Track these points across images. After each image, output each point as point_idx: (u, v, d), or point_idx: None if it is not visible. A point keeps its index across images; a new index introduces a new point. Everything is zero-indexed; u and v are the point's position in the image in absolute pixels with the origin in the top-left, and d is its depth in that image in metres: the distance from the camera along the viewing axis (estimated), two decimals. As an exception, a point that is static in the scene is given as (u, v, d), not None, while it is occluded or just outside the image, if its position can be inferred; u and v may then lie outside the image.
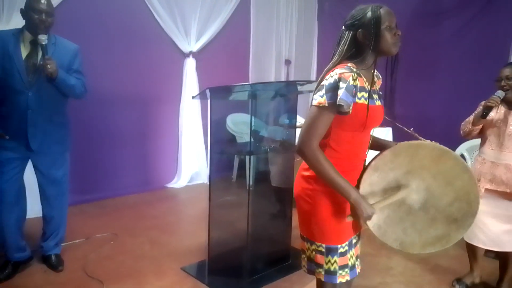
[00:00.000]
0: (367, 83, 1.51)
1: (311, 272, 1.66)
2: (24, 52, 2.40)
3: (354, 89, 1.43)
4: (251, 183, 4.34)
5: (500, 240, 2.49)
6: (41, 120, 2.44)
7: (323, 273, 1.60)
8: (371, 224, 1.59)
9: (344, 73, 1.43)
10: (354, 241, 1.68)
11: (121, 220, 3.59)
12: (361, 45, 1.52)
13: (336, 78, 1.42)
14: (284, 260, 2.78)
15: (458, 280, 2.71)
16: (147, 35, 4.30)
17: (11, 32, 2.43)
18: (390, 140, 1.77)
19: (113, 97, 4.13)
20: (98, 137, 4.11)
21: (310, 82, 2.62)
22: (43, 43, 2.33)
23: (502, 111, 2.47)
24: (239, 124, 4.71)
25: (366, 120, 1.50)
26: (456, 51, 4.28)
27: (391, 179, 1.58)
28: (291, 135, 2.84)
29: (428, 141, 1.63)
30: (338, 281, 1.61)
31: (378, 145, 1.68)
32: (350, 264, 1.64)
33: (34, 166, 2.57)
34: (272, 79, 5.46)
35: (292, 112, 2.80)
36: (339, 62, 1.53)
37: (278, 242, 2.84)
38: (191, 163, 4.80)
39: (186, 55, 4.62)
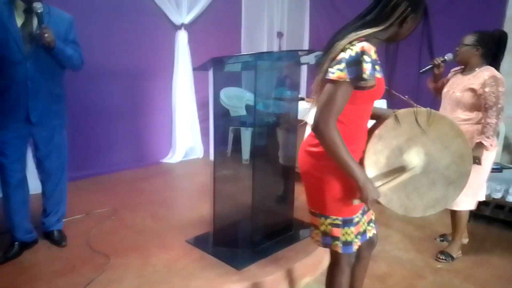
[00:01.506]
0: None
1: (327, 245, 1.69)
2: (18, 21, 2.29)
3: (375, 63, 1.42)
4: (247, 157, 4.35)
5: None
6: (41, 92, 2.36)
7: (340, 245, 1.64)
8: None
9: (366, 46, 1.39)
10: (366, 208, 1.74)
11: (119, 196, 3.57)
12: (396, 19, 1.48)
13: (359, 51, 1.38)
14: (287, 231, 2.82)
15: (442, 252, 2.80)
16: (138, 7, 4.17)
17: (1, 2, 2.31)
18: (385, 108, 1.78)
19: (104, 71, 4.03)
20: (91, 112, 4.02)
21: (311, 51, 2.59)
22: (39, 11, 2.23)
23: (454, 76, 2.77)
24: (232, 98, 4.67)
25: (380, 92, 1.51)
26: (451, 19, 4.28)
27: (394, 146, 1.62)
28: (292, 109, 2.81)
29: (426, 108, 1.65)
30: (354, 250, 1.66)
31: (375, 114, 1.68)
32: (361, 230, 1.71)
33: (35, 142, 2.51)
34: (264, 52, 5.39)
35: (293, 85, 2.78)
36: (380, 31, 1.48)
37: (281, 214, 2.87)
38: (186, 138, 4.77)
39: (178, 28, 4.52)
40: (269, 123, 2.76)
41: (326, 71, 1.43)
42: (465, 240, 2.92)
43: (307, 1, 5.76)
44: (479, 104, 2.54)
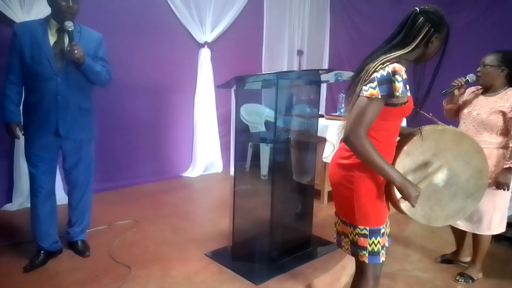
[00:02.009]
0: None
1: (354, 255, 1.75)
2: (51, 39, 2.44)
3: (406, 82, 1.53)
4: (266, 172, 4.39)
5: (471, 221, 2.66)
6: (70, 106, 2.49)
7: (367, 255, 1.69)
8: (403, 204, 1.69)
9: (398, 67, 1.50)
10: (388, 221, 1.79)
11: (140, 208, 3.65)
12: (421, 41, 1.58)
13: (390, 71, 1.50)
14: (305, 247, 2.84)
15: (462, 274, 2.76)
16: (163, 26, 4.32)
17: (37, 22, 2.48)
18: (409, 127, 1.83)
19: (129, 87, 4.17)
20: (115, 126, 4.15)
21: (330, 70, 2.65)
22: (70, 29, 2.38)
23: (474, 96, 2.66)
24: (252, 114, 4.75)
25: (409, 109, 1.61)
26: (471, 40, 4.27)
27: (421, 161, 1.72)
28: (312, 126, 2.85)
29: (450, 126, 1.82)
30: (381, 261, 1.72)
31: (401, 131, 1.75)
32: (386, 244, 1.75)
33: (64, 154, 2.62)
34: (285, 69, 5.47)
35: (314, 102, 2.83)
36: (407, 52, 1.58)
37: (299, 230, 2.88)
38: (206, 152, 4.85)
39: (201, 46, 4.65)
40: (288, 140, 2.80)
41: (360, 91, 1.54)
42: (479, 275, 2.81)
43: (328, 20, 5.85)
44: (506, 127, 2.48)
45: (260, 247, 2.75)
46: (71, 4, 2.38)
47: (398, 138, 1.75)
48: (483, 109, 2.53)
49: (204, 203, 4.10)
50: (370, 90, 1.50)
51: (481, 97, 2.62)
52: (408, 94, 1.56)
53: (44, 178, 2.54)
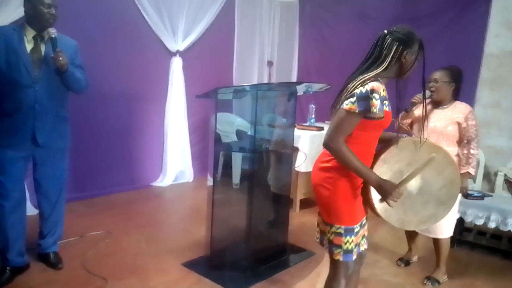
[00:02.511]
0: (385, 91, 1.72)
1: (330, 253, 1.87)
2: (28, 46, 2.39)
3: (384, 99, 1.67)
4: (237, 181, 4.43)
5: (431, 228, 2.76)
6: (48, 114, 2.44)
7: (342, 253, 1.81)
8: (379, 207, 1.83)
9: (376, 86, 1.64)
10: (363, 222, 1.90)
11: (112, 218, 3.58)
12: (397, 61, 1.71)
13: (368, 89, 1.63)
14: (281, 255, 2.90)
15: (401, 259, 3.12)
16: (135, 33, 4.29)
17: (11, 28, 2.42)
18: (391, 133, 1.95)
19: (100, 94, 4.08)
20: (84, 134, 4.04)
21: (300, 83, 2.75)
22: (53, 35, 2.35)
23: (428, 109, 2.79)
24: (223, 123, 4.78)
25: (386, 122, 1.73)
26: (431, 57, 4.52)
27: (396, 169, 1.85)
28: (288, 135, 2.93)
29: (434, 140, 1.91)
30: (353, 259, 1.84)
31: (383, 138, 1.88)
32: (358, 241, 1.86)
33: (35, 163, 2.55)
34: (255, 80, 5.56)
35: (289, 113, 2.91)
36: (382, 71, 1.70)
37: (275, 238, 2.94)
38: (177, 161, 4.82)
39: (173, 54, 4.64)
40: (266, 149, 2.87)
41: (341, 104, 1.70)
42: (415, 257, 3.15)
43: (297, 31, 5.98)
44: (460, 136, 2.71)
45: (237, 256, 2.78)
46: (53, 11, 2.36)
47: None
48: (439, 121, 2.73)
49: (176, 212, 4.08)
50: (349, 104, 1.65)
51: (434, 110, 2.80)
52: (387, 109, 1.70)
53: (13, 187, 2.45)
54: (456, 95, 2.79)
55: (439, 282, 2.86)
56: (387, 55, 1.70)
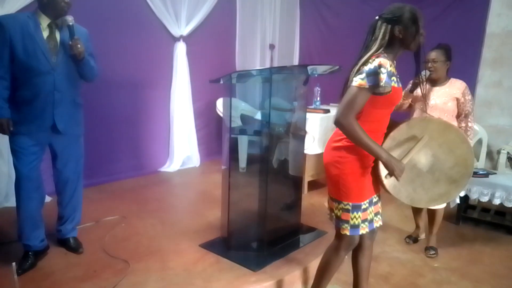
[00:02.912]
0: (394, 69, 1.78)
1: (337, 228, 1.97)
2: (44, 34, 2.39)
3: (391, 74, 1.72)
4: (244, 165, 4.49)
5: None
6: (66, 101, 2.47)
7: (348, 227, 1.91)
8: (388, 183, 1.90)
9: (383, 61, 1.70)
10: (374, 200, 1.99)
11: (124, 204, 3.64)
12: (395, 38, 1.79)
13: (376, 65, 1.69)
14: (295, 235, 2.97)
15: (409, 236, 3.25)
16: (138, 19, 4.27)
17: (26, 15, 2.40)
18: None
19: (105, 82, 4.03)
20: (92, 121, 4.02)
21: (306, 66, 2.77)
22: (71, 23, 2.37)
23: (426, 88, 2.91)
24: (223, 108, 4.81)
25: (394, 98, 1.80)
26: (435, 36, 4.54)
27: (406, 147, 1.90)
28: (300, 118, 2.97)
29: (436, 117, 1.97)
30: (360, 233, 1.93)
31: (393, 122, 1.95)
32: (369, 218, 1.96)
33: (54, 151, 2.58)
34: (258, 63, 5.57)
35: (301, 96, 2.95)
36: (376, 52, 1.77)
37: (288, 219, 3.01)
38: (183, 147, 4.86)
39: (177, 39, 4.64)
40: (278, 132, 2.91)
41: (351, 82, 1.76)
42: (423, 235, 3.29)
43: (298, 14, 5.98)
44: (459, 111, 2.88)
45: (253, 237, 2.85)
46: (68, 0, 2.36)
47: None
48: (440, 98, 2.86)
49: (186, 197, 4.14)
50: (359, 81, 1.71)
51: (433, 88, 2.92)
52: (395, 85, 1.76)
53: (29, 174, 2.46)
54: (448, 72, 2.94)
55: (437, 250, 3.03)
56: (377, 36, 1.78)
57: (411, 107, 3.03)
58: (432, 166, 1.93)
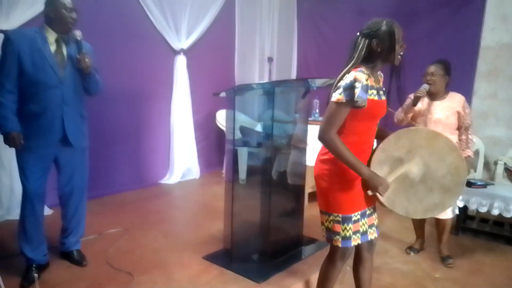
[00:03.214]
0: (375, 82, 1.85)
1: (329, 240, 1.98)
2: (51, 48, 2.43)
3: (366, 88, 1.76)
4: (244, 177, 4.51)
5: None
6: (74, 114, 2.51)
7: (340, 239, 1.92)
8: (381, 197, 1.89)
9: (358, 75, 1.75)
10: (368, 212, 1.99)
11: (126, 216, 3.65)
12: (373, 52, 1.83)
13: (352, 79, 1.75)
14: (297, 246, 3.00)
15: (410, 248, 3.24)
16: (139, 33, 4.34)
17: (33, 30, 2.45)
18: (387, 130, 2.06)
19: (106, 94, 4.02)
20: (92, 134, 4.04)
21: (305, 79, 2.83)
22: (79, 38, 2.43)
23: (426, 102, 2.96)
24: (228, 120, 4.86)
25: (375, 111, 1.84)
26: (430, 50, 4.65)
27: (396, 157, 1.92)
28: (302, 130, 3.02)
29: (423, 126, 1.99)
30: (352, 244, 1.94)
31: (384, 134, 1.98)
32: (361, 230, 1.96)
33: (59, 165, 2.60)
34: (256, 76, 5.65)
35: (303, 109, 3.00)
36: (355, 65, 1.83)
37: (291, 230, 3.04)
38: (183, 159, 4.89)
39: (177, 53, 4.71)
40: (280, 144, 2.95)
41: (330, 98, 1.81)
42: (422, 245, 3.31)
43: (295, 28, 6.08)
44: (459, 124, 2.93)
45: (256, 248, 2.87)
46: (75, 16, 2.42)
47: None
48: (442, 113, 2.90)
49: (187, 208, 4.16)
50: (337, 96, 1.75)
51: (433, 103, 2.95)
52: (375, 98, 1.81)
53: (36, 189, 2.48)
54: (447, 86, 2.98)
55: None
56: (356, 50, 1.83)
57: (414, 121, 3.03)
58: (424, 175, 1.92)
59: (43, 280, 2.50)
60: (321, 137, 1.79)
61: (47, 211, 3.32)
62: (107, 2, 4.01)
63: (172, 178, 4.82)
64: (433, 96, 2.96)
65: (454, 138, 2.88)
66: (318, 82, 2.92)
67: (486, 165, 4.36)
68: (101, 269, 2.67)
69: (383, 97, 1.88)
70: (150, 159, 4.72)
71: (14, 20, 3.34)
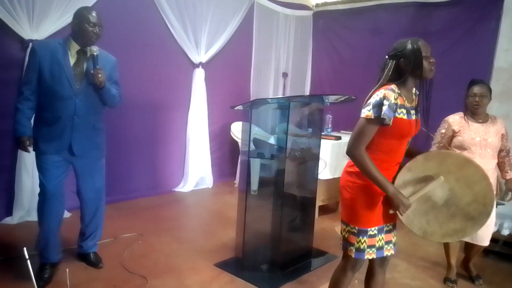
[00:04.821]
0: (406, 101, 1.86)
1: (344, 249, 2.04)
2: (71, 60, 2.51)
3: (395, 106, 1.79)
4: (256, 188, 4.60)
5: (479, 235, 2.86)
6: (84, 126, 2.57)
7: (354, 250, 1.97)
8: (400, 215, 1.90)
9: (387, 93, 1.79)
10: (386, 228, 2.01)
11: (141, 221, 3.76)
12: (402, 71, 1.88)
13: (382, 97, 1.79)
14: (307, 257, 3.06)
15: (448, 279, 3.06)
16: (161, 45, 4.51)
17: (57, 42, 2.54)
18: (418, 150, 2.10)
19: (126, 104, 4.18)
20: (110, 141, 4.15)
21: (320, 95, 2.93)
22: (95, 53, 2.50)
23: (470, 125, 2.81)
24: (242, 132, 4.99)
25: (403, 131, 1.86)
26: (444, 70, 4.71)
27: (421, 179, 1.90)
28: (314, 144, 3.11)
29: (454, 151, 1.98)
30: (365, 257, 1.98)
31: (414, 153, 1.99)
32: (377, 245, 1.99)
33: (76, 172, 2.68)
34: (271, 91, 5.78)
35: (317, 123, 3.10)
36: (383, 84, 1.88)
37: (301, 242, 3.10)
38: (197, 168, 5.01)
39: (196, 66, 4.86)
40: (293, 156, 3.04)
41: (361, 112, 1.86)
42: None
43: (310, 44, 6.22)
44: (501, 147, 2.87)
45: (267, 258, 2.94)
46: (97, 31, 2.51)
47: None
48: (488, 135, 2.80)
49: (200, 216, 4.26)
50: (366, 112, 1.80)
51: (476, 124, 2.84)
52: (403, 117, 1.83)
53: (55, 189, 2.56)
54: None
55: None
56: (383, 72, 1.89)
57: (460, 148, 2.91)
58: (448, 200, 1.89)
59: (59, 280, 2.60)
60: (349, 152, 1.84)
61: (66, 213, 3.44)
62: (130, 15, 4.18)
63: (186, 186, 4.93)
64: (476, 118, 2.85)
65: (495, 162, 2.86)
66: (331, 98, 3.02)
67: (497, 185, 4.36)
68: (116, 271, 2.77)
69: (414, 117, 1.88)
70: (166, 167, 4.84)
71: (43, 30, 3.51)
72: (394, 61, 1.87)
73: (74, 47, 2.52)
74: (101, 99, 2.64)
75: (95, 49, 2.52)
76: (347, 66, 5.79)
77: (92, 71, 2.51)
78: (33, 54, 2.48)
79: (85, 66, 2.54)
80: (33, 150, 2.60)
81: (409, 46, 1.85)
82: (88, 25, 2.47)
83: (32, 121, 2.59)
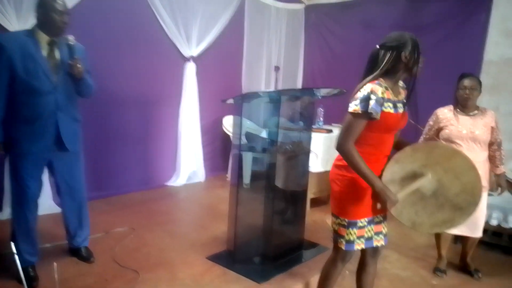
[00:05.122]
0: (392, 95, 1.87)
1: (334, 241, 2.07)
2: (44, 52, 2.37)
3: (382, 100, 1.80)
4: (248, 181, 4.61)
5: (471, 227, 2.89)
6: (68, 119, 2.49)
7: (344, 242, 2.00)
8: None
9: (374, 87, 1.79)
10: (376, 220, 2.04)
11: (133, 216, 3.75)
12: (399, 64, 1.85)
13: (369, 91, 1.79)
14: (298, 249, 3.08)
15: (438, 269, 3.11)
16: (151, 40, 4.47)
17: (22, 33, 2.40)
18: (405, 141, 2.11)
19: (117, 98, 4.27)
20: (102, 136, 4.22)
21: (310, 89, 2.94)
22: (72, 43, 2.39)
23: (458, 118, 2.82)
24: (234, 126, 4.98)
25: (390, 124, 1.87)
26: (434, 63, 4.73)
27: (409, 170, 1.91)
28: (306, 137, 3.12)
29: (442, 142, 1.99)
30: (355, 248, 2.01)
31: (402, 145, 2.01)
32: (366, 236, 2.02)
33: (54, 168, 2.58)
34: (263, 84, 5.76)
35: (308, 116, 3.10)
36: (375, 78, 1.86)
37: (292, 234, 3.12)
38: (189, 162, 5.00)
39: (187, 60, 4.83)
40: (285, 150, 3.05)
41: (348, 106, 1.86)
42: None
43: (302, 38, 6.22)
44: (491, 139, 2.83)
45: (258, 250, 2.96)
46: (66, 19, 2.37)
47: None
48: (475, 127, 2.80)
49: (192, 210, 4.26)
50: (353, 107, 1.80)
51: (465, 117, 2.84)
52: (391, 111, 1.82)
53: (38, 192, 2.52)
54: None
55: None
56: (380, 63, 1.84)
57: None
58: (437, 191, 1.90)
59: (51, 274, 2.58)
60: (339, 148, 1.84)
61: (56, 209, 3.39)
62: (120, 9, 4.14)
63: (178, 180, 4.92)
64: (466, 110, 2.85)
65: (485, 154, 2.85)
66: (323, 91, 3.02)
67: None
68: (107, 266, 2.77)
69: (400, 110, 1.87)
70: (158, 161, 4.83)
71: (23, 21, 3.37)
72: (394, 53, 1.83)
73: (44, 38, 2.37)
74: (78, 90, 2.52)
75: (71, 38, 2.40)
76: (339, 59, 5.79)
77: (70, 62, 2.38)
78: (2, 50, 2.28)
79: (58, 57, 2.42)
80: (6, 152, 2.45)
81: (408, 39, 1.84)
82: (55, 14, 2.32)
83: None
